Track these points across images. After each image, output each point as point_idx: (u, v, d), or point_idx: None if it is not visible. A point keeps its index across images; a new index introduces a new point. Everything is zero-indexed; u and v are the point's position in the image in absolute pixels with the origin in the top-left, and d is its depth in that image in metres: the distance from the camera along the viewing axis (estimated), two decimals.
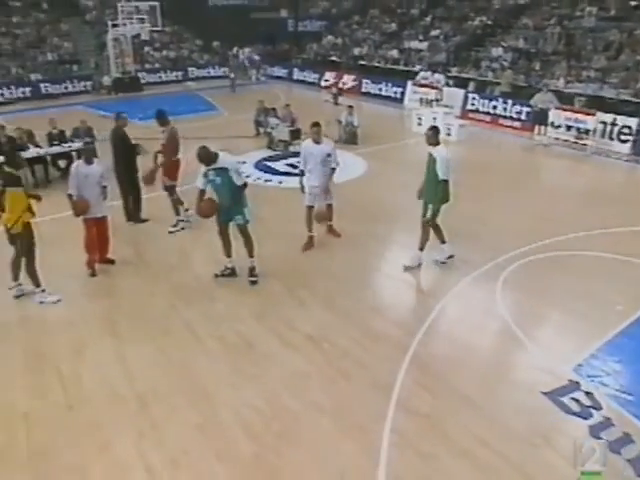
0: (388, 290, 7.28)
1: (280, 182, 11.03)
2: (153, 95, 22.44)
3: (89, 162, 7.24)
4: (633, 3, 17.97)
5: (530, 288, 6.90)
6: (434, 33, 22.42)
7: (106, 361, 5.59)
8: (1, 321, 6.36)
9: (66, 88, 23.40)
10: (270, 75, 26.58)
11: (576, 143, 13.50)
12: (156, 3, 22.15)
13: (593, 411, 4.80)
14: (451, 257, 7.51)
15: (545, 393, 5.03)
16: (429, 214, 7.15)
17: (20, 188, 6.39)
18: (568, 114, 13.69)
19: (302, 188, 7.89)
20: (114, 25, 22.66)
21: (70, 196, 7.06)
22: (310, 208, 7.88)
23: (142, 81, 24.27)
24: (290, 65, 26.18)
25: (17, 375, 5.41)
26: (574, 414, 4.77)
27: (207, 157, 6.53)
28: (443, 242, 7.47)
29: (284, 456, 4.37)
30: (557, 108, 13.80)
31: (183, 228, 8.82)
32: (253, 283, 7.01)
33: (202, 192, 6.70)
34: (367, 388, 5.17)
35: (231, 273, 7.17)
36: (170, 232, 8.72)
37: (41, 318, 6.41)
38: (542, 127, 14.08)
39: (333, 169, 7.84)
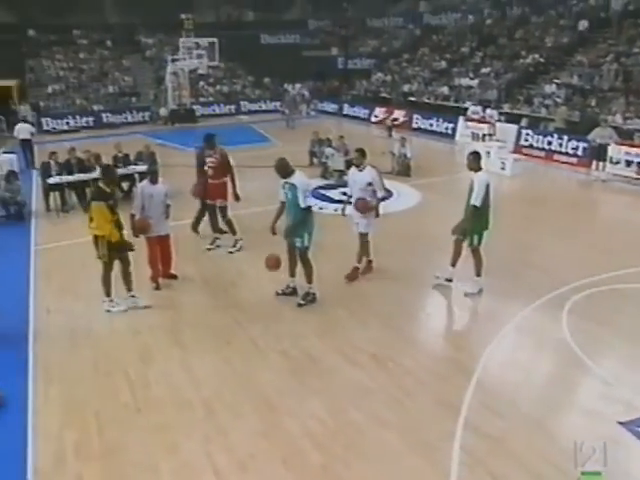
0: (450, 315, 7.22)
1: (335, 210, 11.01)
2: (207, 127, 23.25)
3: (154, 182, 7.54)
4: None
5: (597, 318, 6.67)
6: (484, 70, 22.57)
7: (172, 368, 5.70)
8: (73, 327, 6.61)
9: (125, 118, 24.63)
10: (320, 110, 27.20)
11: (637, 179, 13.18)
12: (215, 40, 23.19)
13: None
14: (480, 291, 7.31)
15: (622, 423, 4.82)
16: (475, 241, 7.07)
17: (103, 203, 6.62)
18: (628, 149, 13.43)
19: (343, 212, 7.97)
20: (174, 60, 23.78)
21: (132, 216, 7.29)
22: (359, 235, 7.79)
23: (197, 113, 25.26)
24: (340, 101, 26.75)
25: (88, 377, 5.58)
26: None
27: (282, 169, 6.72)
28: (478, 275, 7.30)
29: (352, 468, 4.31)
30: (617, 143, 13.55)
31: (241, 248, 8.97)
32: (300, 305, 6.99)
33: (282, 204, 6.89)
34: (432, 407, 5.08)
35: (292, 292, 7.22)
36: (230, 252, 8.90)
37: (109, 326, 6.62)
38: (600, 162, 13.80)
39: (379, 199, 7.64)
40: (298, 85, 28.45)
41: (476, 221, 7.01)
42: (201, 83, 28.97)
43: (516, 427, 4.80)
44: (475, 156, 7.06)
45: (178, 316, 6.88)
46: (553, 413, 5.01)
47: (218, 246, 9.07)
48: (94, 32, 32.08)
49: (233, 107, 27.17)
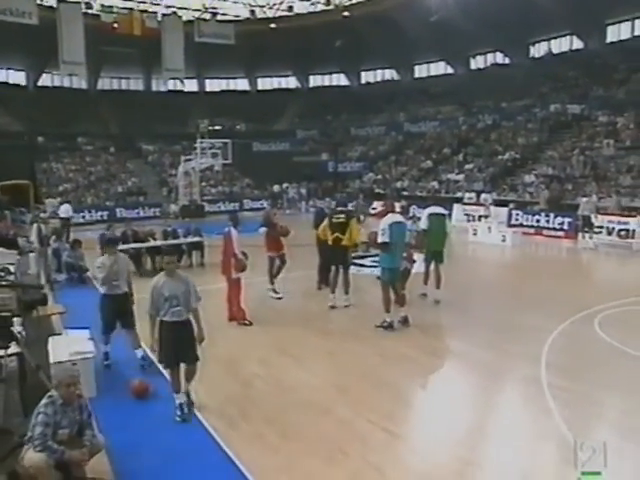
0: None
1: (372, 271, 12.29)
2: (215, 220, 24.97)
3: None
4: None
5: (622, 325, 8.10)
6: (468, 167, 25.45)
7: None
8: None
9: (138, 213, 26.20)
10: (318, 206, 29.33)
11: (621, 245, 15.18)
12: (228, 140, 25.68)
13: None
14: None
15: None
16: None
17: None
18: (611, 217, 15.59)
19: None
20: (186, 160, 26.01)
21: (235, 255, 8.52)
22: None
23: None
24: (336, 198, 29.01)
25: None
26: None
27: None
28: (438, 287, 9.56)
29: None
30: (600, 213, 15.75)
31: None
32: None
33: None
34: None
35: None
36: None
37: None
38: (587, 232, 15.80)
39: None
40: (295, 185, 31.02)
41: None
42: (203, 184, 31.24)
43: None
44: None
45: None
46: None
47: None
48: (98, 139, 34.71)
49: (237, 204, 29.15)
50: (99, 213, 25.47)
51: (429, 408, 5.84)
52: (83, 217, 24.73)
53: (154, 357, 6.05)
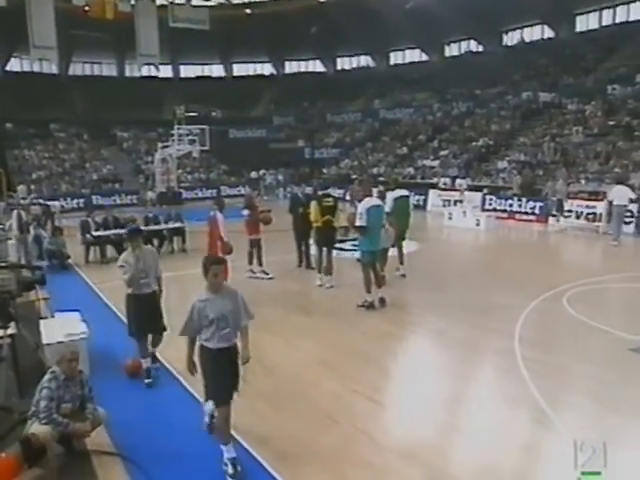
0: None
1: (352, 254, 12.57)
2: (193, 207, 24.94)
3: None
4: (611, 122, 21.60)
5: (589, 302, 8.62)
6: (443, 153, 25.92)
7: None
8: None
9: (114, 200, 26.01)
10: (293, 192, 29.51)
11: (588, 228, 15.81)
12: (206, 127, 25.60)
13: None
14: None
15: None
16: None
17: None
18: (580, 202, 16.19)
19: None
20: (164, 147, 25.86)
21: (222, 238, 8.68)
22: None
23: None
24: (313, 184, 29.18)
25: None
26: None
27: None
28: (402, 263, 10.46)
29: None
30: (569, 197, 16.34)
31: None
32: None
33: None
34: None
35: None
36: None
37: None
38: (559, 216, 16.36)
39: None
40: (273, 171, 31.10)
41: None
42: (180, 171, 31.05)
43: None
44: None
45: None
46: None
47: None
48: (70, 126, 34.11)
49: (214, 191, 29.07)
50: (75, 201, 25.19)
51: (411, 379, 6.18)
52: (62, 206, 24.39)
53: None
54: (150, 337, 6.14)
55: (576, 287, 9.35)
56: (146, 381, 5.93)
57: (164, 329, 6.10)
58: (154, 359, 6.18)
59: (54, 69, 35.95)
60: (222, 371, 4.29)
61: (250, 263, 10.70)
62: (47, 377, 4.51)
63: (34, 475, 3.59)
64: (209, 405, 4.57)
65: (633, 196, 14.32)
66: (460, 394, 5.67)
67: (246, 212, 10.62)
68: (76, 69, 39.07)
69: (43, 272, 6.32)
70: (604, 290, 9.63)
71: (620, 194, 14.15)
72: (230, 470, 4.21)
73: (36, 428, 4.28)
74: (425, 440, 4.76)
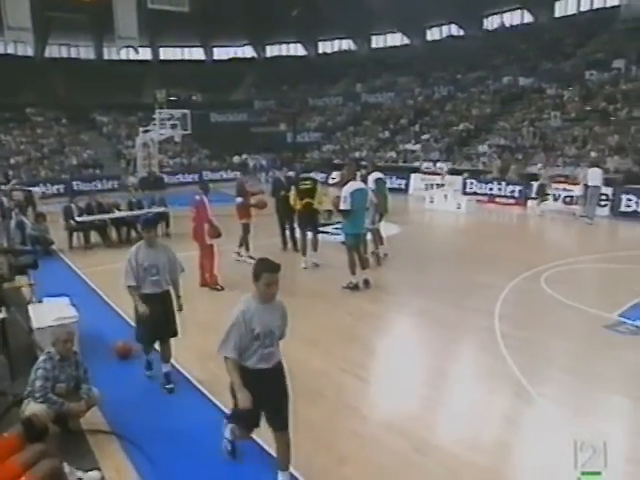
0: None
1: (335, 238, 12.78)
2: (176, 192, 24.82)
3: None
4: (588, 108, 21.99)
5: (566, 282, 8.92)
6: (425, 137, 26.10)
7: None
8: None
9: (95, 186, 25.58)
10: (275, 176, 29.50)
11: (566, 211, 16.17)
12: (187, 111, 25.37)
13: None
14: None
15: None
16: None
17: None
18: (558, 185, 16.54)
19: None
20: (145, 131, 25.57)
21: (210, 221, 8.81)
22: None
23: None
24: (295, 168, 29.22)
25: None
26: None
27: None
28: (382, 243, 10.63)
29: None
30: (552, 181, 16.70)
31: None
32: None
33: None
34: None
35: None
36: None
37: None
38: (539, 199, 16.59)
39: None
40: (256, 156, 31.02)
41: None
42: (161, 155, 30.76)
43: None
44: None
45: None
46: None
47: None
48: (48, 110, 33.48)
49: (196, 176, 28.87)
50: (55, 186, 24.79)
51: (395, 356, 6.41)
52: (43, 192, 24.00)
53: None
54: (158, 347, 5.64)
55: (553, 267, 9.67)
56: (167, 387, 5.48)
57: (175, 333, 5.60)
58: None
59: (29, 51, 35.12)
60: (257, 399, 3.65)
61: (240, 246, 10.82)
62: (42, 358, 4.62)
63: (36, 450, 3.70)
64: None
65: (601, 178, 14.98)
66: (442, 370, 5.90)
67: (239, 200, 10.66)
68: (52, 51, 38.18)
69: (35, 256, 6.33)
70: (580, 270, 9.99)
71: (594, 176, 14.79)
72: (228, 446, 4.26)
73: (32, 407, 4.39)
74: (410, 413, 4.98)
